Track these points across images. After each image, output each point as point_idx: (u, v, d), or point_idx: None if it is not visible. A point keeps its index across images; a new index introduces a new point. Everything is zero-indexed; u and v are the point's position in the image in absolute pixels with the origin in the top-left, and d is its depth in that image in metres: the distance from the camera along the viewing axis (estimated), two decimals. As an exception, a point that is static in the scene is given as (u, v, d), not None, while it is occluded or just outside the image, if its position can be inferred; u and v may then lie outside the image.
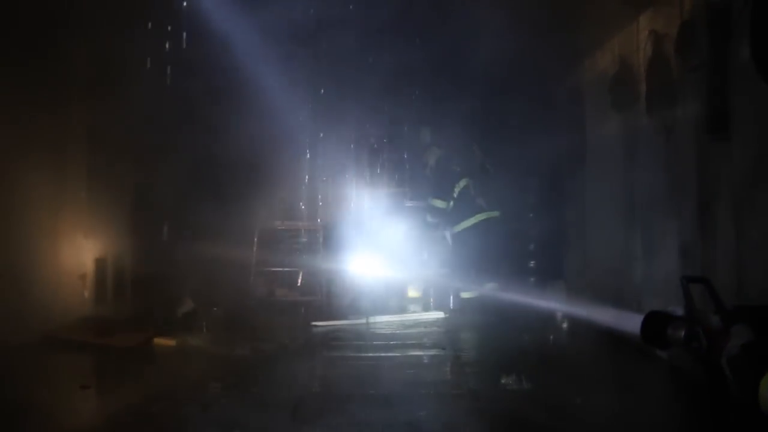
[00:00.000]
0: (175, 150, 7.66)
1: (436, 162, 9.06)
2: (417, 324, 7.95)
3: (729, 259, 4.76)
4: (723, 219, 4.88)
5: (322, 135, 9.33)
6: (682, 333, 1.87)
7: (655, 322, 1.97)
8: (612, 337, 5.98)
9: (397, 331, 7.49)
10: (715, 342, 1.77)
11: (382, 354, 6.35)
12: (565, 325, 7.40)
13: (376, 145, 10.55)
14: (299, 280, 9.71)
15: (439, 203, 8.77)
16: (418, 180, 10.11)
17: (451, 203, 8.65)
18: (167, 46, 6.79)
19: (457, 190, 8.63)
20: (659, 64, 5.97)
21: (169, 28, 6.87)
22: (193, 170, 8.19)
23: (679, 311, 1.91)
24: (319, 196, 10.12)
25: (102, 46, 6.88)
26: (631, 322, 2.06)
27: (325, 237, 9.93)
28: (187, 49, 6.78)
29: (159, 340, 6.54)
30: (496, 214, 8.73)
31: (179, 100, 7.49)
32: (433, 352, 6.41)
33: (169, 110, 7.64)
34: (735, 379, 1.69)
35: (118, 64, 7.00)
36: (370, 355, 6.35)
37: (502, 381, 4.97)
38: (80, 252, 7.30)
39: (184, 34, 7.03)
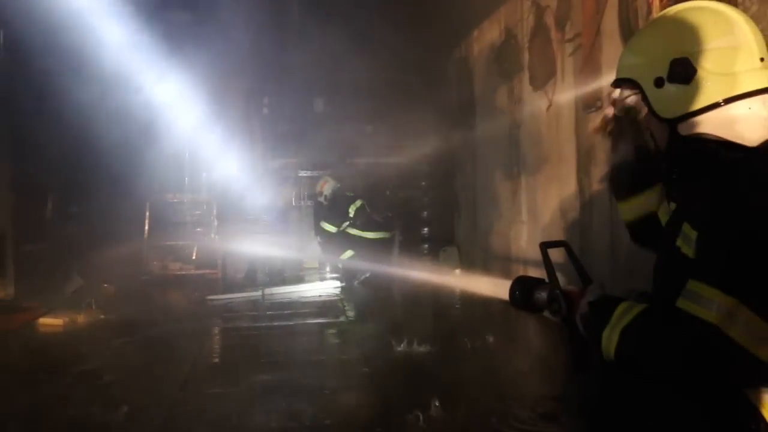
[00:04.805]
0: (55, 120, 7.28)
1: (331, 191, 9.19)
2: (313, 294, 8.00)
3: (603, 221, 5.06)
4: (597, 184, 5.17)
5: (211, 105, 9.10)
6: (545, 296, 1.99)
7: (522, 288, 2.07)
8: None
9: (293, 301, 7.53)
10: (573, 302, 1.91)
11: (276, 323, 6.38)
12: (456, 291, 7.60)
13: (267, 114, 10.41)
14: (194, 254, 9.55)
15: (328, 227, 8.91)
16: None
17: (345, 225, 8.79)
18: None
19: (352, 210, 8.82)
20: (540, 34, 6.19)
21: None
22: (77, 141, 7.82)
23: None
24: (211, 168, 9.91)
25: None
26: (501, 289, 2.17)
27: (218, 209, 9.79)
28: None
29: (45, 321, 6.28)
30: (389, 235, 8.98)
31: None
32: (327, 320, 6.49)
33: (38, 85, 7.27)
34: (586, 333, 1.83)
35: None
36: (265, 325, 6.37)
37: (394, 345, 5.08)
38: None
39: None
